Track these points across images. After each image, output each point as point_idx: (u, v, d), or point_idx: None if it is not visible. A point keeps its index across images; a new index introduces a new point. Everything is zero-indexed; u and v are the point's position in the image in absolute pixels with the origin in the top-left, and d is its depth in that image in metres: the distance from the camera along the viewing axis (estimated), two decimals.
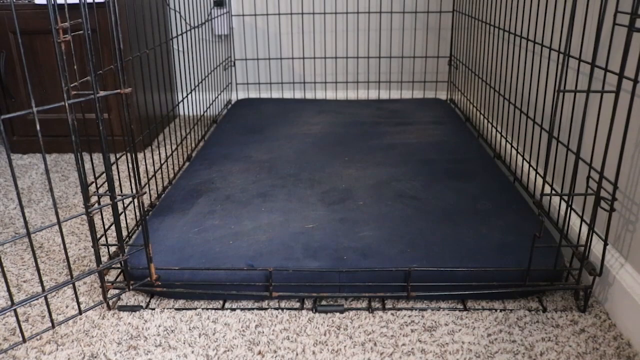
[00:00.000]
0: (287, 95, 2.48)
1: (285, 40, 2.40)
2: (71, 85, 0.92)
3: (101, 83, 1.87)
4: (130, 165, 1.44)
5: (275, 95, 2.48)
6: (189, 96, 2.11)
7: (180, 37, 1.84)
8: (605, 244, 1.02)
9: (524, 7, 1.45)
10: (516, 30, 1.54)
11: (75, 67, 0.97)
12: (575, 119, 1.21)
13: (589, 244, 1.04)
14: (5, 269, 1.24)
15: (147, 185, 1.46)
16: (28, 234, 0.87)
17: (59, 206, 1.56)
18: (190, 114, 2.28)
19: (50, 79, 1.91)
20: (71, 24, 0.91)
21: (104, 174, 1.15)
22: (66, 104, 0.86)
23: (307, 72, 2.44)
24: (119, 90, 0.91)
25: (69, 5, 1.35)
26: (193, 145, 1.95)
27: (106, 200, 1.46)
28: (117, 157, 1.13)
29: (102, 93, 0.91)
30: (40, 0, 1.78)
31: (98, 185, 1.11)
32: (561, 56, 1.27)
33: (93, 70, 0.88)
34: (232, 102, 2.42)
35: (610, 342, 0.97)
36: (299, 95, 2.48)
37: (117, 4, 0.88)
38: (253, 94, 2.49)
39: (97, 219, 1.46)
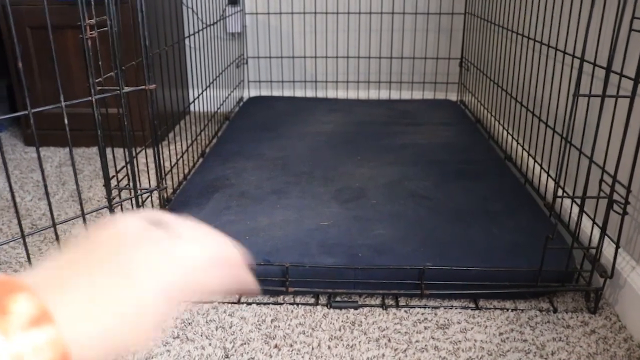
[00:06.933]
0: (299, 93, 2.50)
1: (297, 39, 2.42)
2: (96, 80, 0.94)
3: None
4: (154, 160, 1.47)
5: (287, 93, 2.50)
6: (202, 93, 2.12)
7: (194, 35, 1.87)
8: (617, 247, 1.03)
9: (538, 11, 1.47)
10: (529, 33, 1.56)
11: (100, 63, 0.99)
12: (589, 122, 1.23)
13: (600, 247, 1.06)
14: (24, 260, 1.26)
15: (164, 180, 1.48)
16: (54, 225, 0.89)
17: (74, 199, 1.58)
18: (202, 110, 2.30)
19: (64, 74, 1.94)
20: (96, 21, 0.93)
21: (124, 168, 1.17)
22: (93, 99, 0.88)
23: (319, 70, 2.46)
24: (144, 87, 0.93)
25: (88, 1, 1.38)
26: (206, 141, 1.97)
27: (126, 193, 1.48)
28: (137, 151, 1.15)
29: (127, 89, 0.93)
30: None
31: (119, 179, 1.13)
32: (576, 60, 1.28)
33: (119, 66, 0.90)
34: (244, 100, 2.44)
35: (620, 344, 0.98)
36: (310, 93, 2.50)
37: (143, 2, 0.90)
38: (265, 92, 2.51)
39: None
